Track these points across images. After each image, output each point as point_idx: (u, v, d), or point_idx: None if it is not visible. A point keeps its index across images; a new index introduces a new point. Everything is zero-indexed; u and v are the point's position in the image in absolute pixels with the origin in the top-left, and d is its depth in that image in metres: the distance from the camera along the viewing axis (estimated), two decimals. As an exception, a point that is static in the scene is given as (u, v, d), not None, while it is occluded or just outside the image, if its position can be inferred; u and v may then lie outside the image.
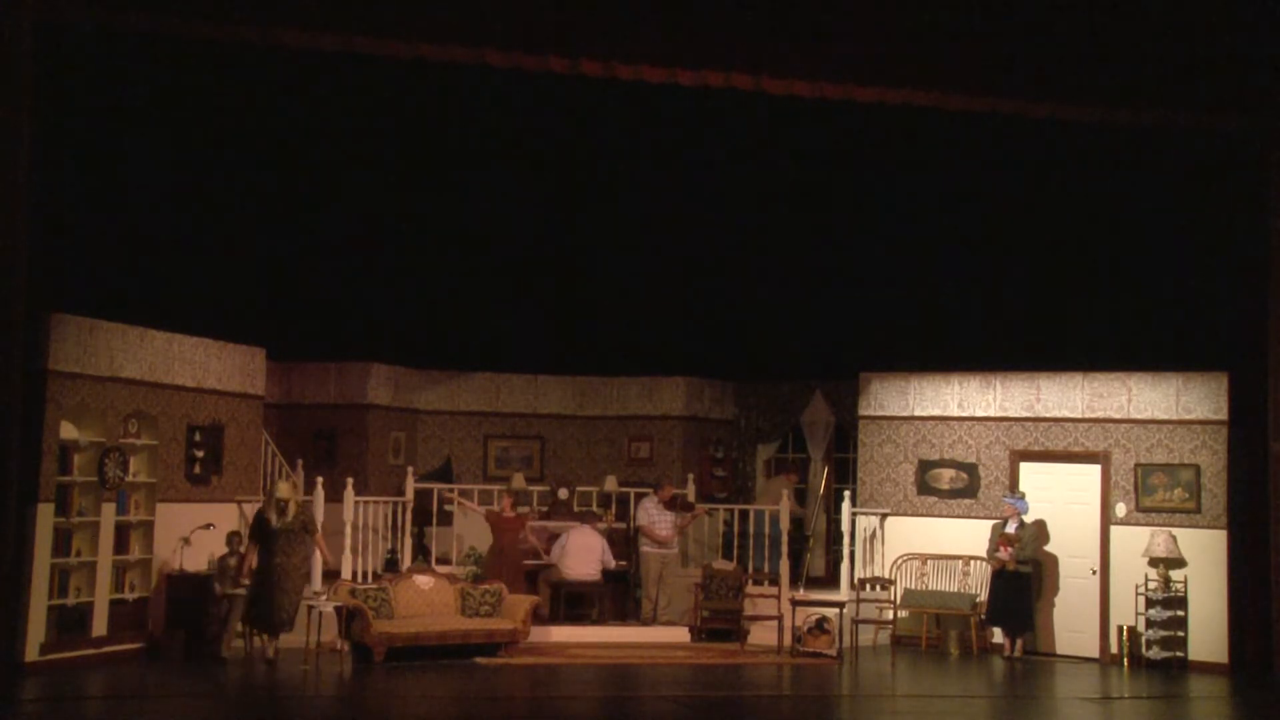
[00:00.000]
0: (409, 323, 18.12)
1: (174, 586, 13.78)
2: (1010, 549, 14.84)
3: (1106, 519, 15.09)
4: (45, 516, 12.63)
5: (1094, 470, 15.23)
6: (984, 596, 15.26)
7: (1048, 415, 15.55)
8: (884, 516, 16.22)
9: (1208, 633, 14.41)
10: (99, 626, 13.21)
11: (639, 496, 16.16)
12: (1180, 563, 14.57)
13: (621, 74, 12.91)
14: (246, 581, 13.49)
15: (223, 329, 15.02)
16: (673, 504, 15.90)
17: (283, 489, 13.58)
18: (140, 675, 12.80)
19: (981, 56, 12.88)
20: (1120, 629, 14.74)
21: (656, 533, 15.61)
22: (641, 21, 12.48)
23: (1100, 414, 15.25)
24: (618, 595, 15.86)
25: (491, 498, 16.66)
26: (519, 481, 16.96)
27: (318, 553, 14.12)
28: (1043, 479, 15.44)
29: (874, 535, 16.20)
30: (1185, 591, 14.45)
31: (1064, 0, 12.93)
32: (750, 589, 15.22)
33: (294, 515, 13.42)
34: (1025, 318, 16.40)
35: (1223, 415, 14.70)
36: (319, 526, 14.09)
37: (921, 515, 16.07)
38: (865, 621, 15.17)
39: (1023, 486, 15.43)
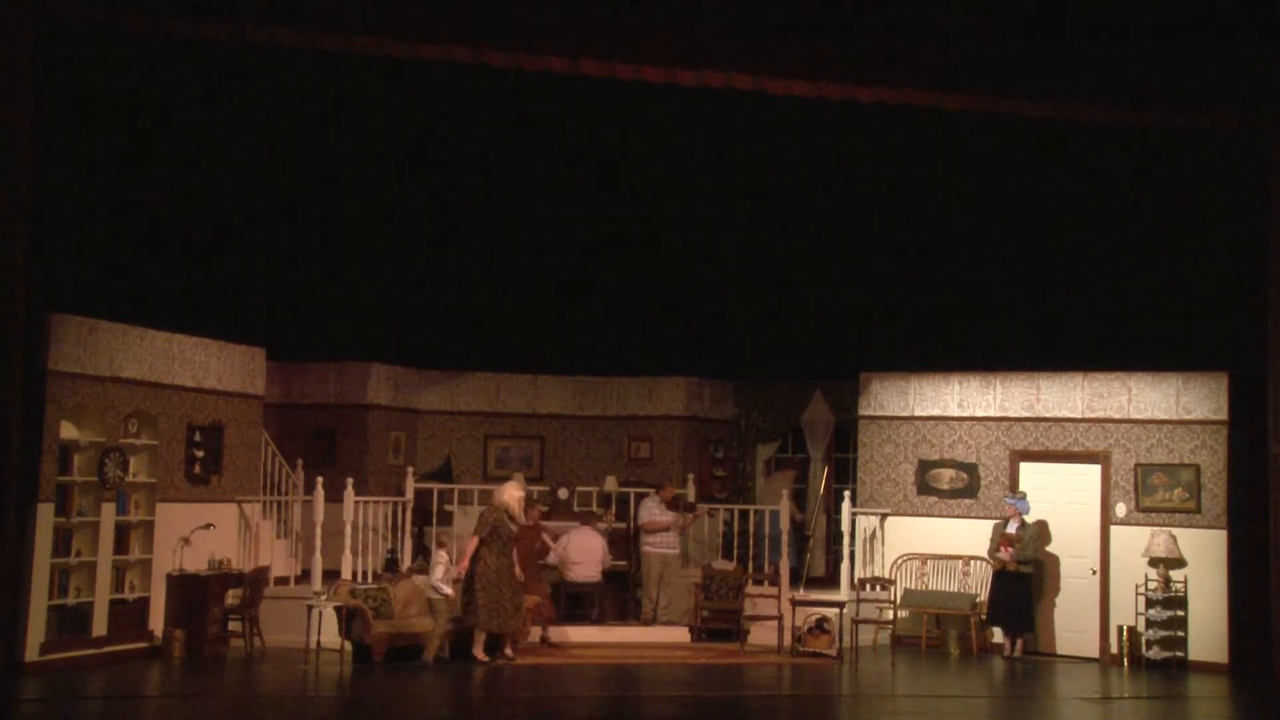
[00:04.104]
0: (409, 323, 18.09)
1: (174, 586, 13.81)
2: (1011, 549, 14.84)
3: (1106, 519, 15.09)
4: (45, 516, 12.63)
5: (1094, 470, 15.23)
6: (984, 596, 15.26)
7: (1048, 415, 15.55)
8: (884, 516, 16.22)
9: (1208, 633, 14.41)
10: (99, 626, 13.22)
11: (639, 496, 16.14)
12: (1180, 563, 14.57)
13: (621, 74, 12.90)
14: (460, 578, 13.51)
15: (223, 329, 15.02)
16: (674, 504, 15.89)
17: (518, 493, 13.96)
18: (140, 675, 12.81)
19: (981, 56, 12.87)
20: (1120, 629, 14.74)
21: (656, 524, 15.57)
22: (641, 21, 12.47)
23: (1100, 414, 15.25)
24: (618, 595, 15.86)
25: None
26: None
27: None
28: (1043, 479, 15.43)
29: (874, 535, 16.20)
30: (1185, 591, 14.45)
31: (1064, 0, 12.93)
32: (750, 589, 15.21)
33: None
34: (1025, 318, 16.38)
35: (1223, 415, 14.70)
36: None
37: (921, 515, 16.08)
38: (865, 621, 15.17)
39: (1023, 486, 15.42)
